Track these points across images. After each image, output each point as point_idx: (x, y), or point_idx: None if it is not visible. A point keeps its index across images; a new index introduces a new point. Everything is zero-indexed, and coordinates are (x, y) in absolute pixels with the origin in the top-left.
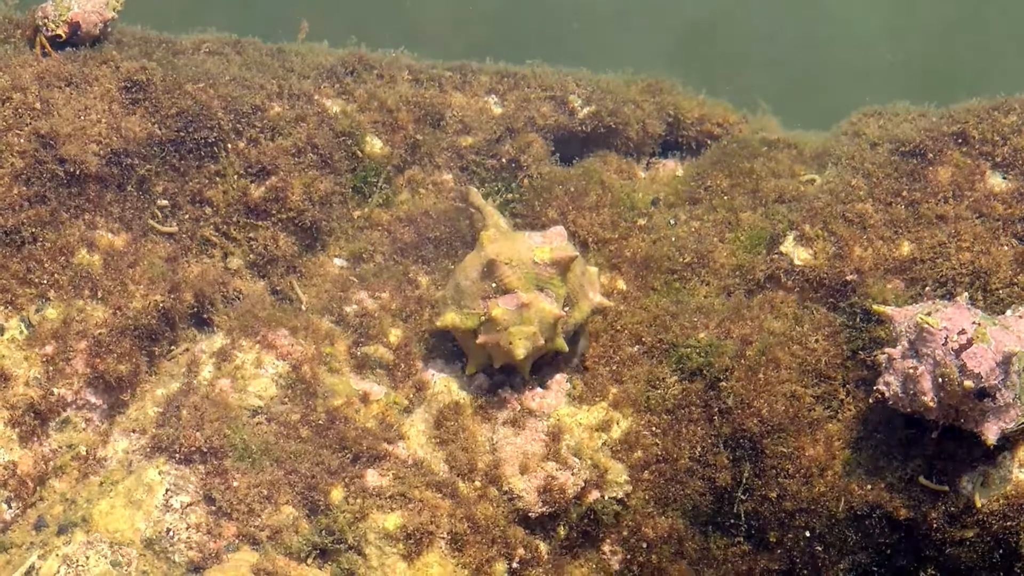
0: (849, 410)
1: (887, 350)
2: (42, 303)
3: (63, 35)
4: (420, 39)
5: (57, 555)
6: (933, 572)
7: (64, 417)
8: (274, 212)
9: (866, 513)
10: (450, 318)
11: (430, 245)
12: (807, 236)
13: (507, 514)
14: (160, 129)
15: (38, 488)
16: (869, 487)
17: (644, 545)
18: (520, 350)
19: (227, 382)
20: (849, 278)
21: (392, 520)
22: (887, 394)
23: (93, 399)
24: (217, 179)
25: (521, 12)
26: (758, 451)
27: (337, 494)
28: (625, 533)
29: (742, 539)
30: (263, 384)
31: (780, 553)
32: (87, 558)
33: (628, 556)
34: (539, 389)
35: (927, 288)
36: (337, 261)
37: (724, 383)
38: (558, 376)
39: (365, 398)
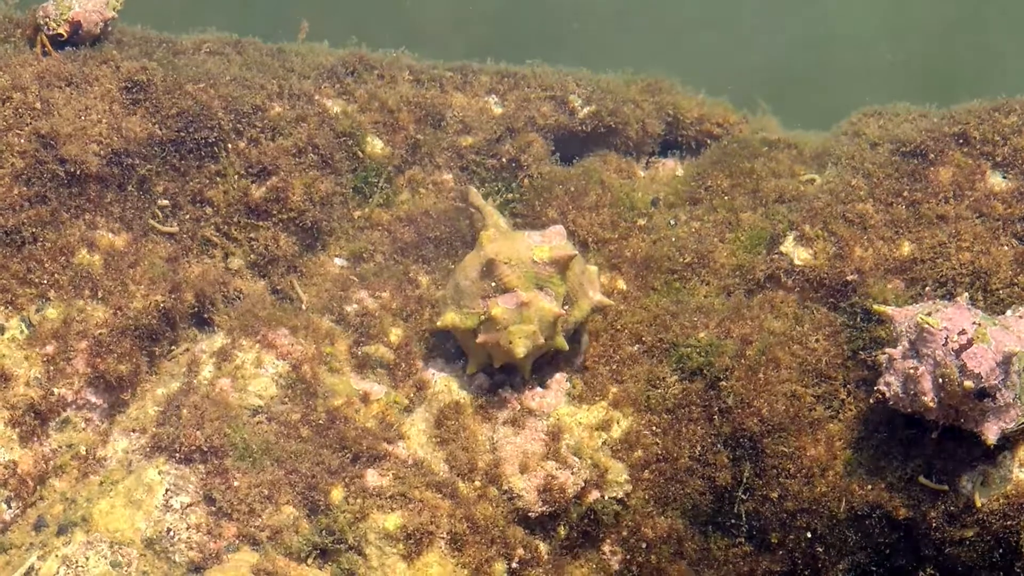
0: (850, 410)
1: (887, 350)
2: (42, 303)
3: (64, 34)
4: (420, 39)
5: (57, 556)
6: (932, 572)
7: (64, 417)
8: (275, 212)
9: (866, 513)
10: (450, 318)
11: (430, 245)
12: (807, 236)
13: (507, 514)
14: (161, 129)
15: (38, 488)
16: (870, 487)
17: (644, 545)
18: (520, 349)
19: (227, 381)
20: (849, 278)
21: (392, 520)
22: (887, 394)
23: (93, 399)
24: (218, 179)
25: (521, 12)
26: (758, 451)
27: (337, 494)
28: (625, 533)
29: (743, 540)
30: (263, 384)
31: (782, 554)
32: (87, 558)
33: (628, 556)
34: (539, 388)
35: (927, 288)
36: (338, 261)
37: (724, 383)
38: (558, 375)
39: (365, 398)
